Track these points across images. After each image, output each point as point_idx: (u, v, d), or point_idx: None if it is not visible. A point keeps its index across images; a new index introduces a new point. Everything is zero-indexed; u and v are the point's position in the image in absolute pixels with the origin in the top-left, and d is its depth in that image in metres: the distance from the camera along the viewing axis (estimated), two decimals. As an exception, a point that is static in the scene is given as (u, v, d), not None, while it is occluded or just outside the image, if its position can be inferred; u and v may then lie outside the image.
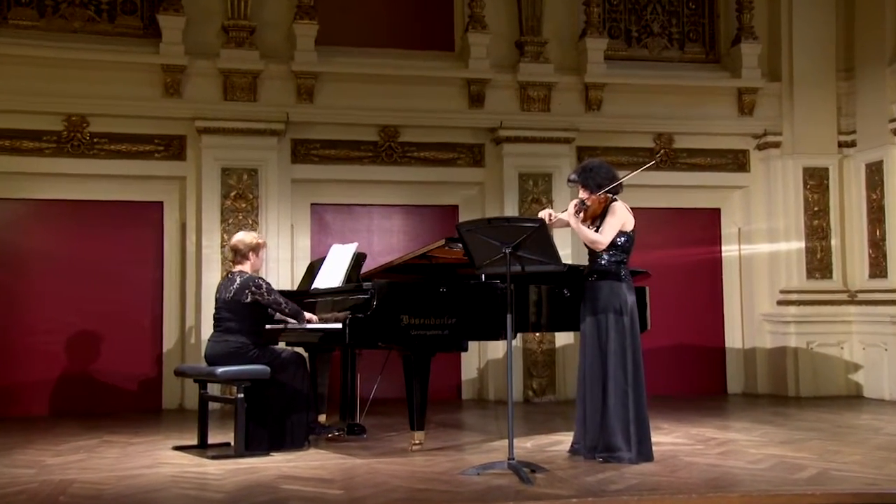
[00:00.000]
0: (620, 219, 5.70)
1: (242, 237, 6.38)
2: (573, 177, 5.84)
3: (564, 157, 9.69)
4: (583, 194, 5.73)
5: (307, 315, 6.35)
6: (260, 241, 6.40)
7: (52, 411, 8.65)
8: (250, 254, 6.32)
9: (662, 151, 10.07)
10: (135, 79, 8.95)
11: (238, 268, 6.33)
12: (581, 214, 5.59)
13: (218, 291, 6.33)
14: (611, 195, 5.74)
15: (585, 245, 5.85)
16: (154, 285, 9.13)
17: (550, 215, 5.70)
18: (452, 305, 6.06)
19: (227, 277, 6.33)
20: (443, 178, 9.70)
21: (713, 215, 10.38)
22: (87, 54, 8.81)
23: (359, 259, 6.71)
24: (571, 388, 9.03)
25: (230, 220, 8.93)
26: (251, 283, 6.14)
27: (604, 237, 5.63)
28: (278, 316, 6.43)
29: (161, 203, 9.19)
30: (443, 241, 6.21)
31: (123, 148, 9.00)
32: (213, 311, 6.38)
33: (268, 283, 6.21)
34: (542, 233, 5.27)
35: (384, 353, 6.71)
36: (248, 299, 6.12)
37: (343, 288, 6.44)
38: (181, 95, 9.04)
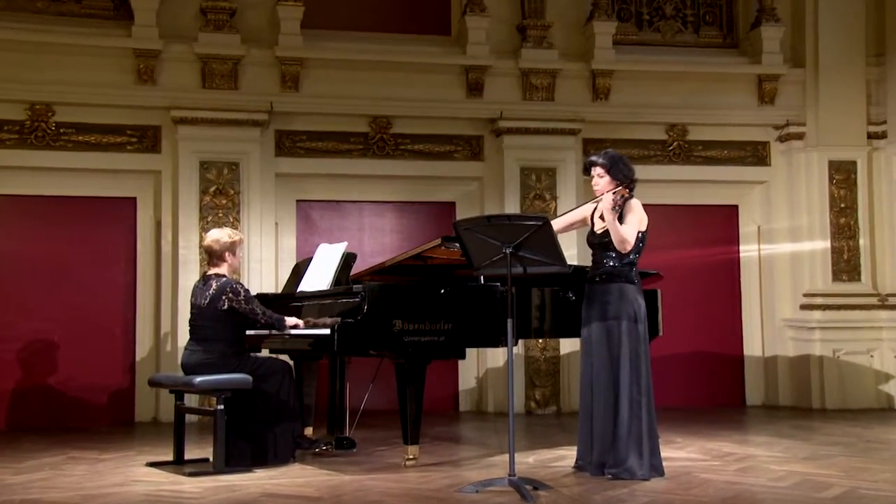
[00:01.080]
0: (640, 216, 5.74)
1: (217, 236, 6.32)
2: (598, 159, 5.79)
3: (569, 150, 9.72)
4: (601, 182, 5.74)
5: (291, 320, 6.35)
6: (236, 238, 6.35)
7: (11, 425, 8.63)
8: (226, 254, 6.28)
9: (675, 144, 10.11)
10: (104, 64, 8.96)
11: (214, 270, 6.29)
12: (617, 210, 5.62)
13: (193, 296, 6.31)
14: (629, 191, 5.77)
15: (590, 244, 5.87)
16: (126, 288, 9.14)
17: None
18: (449, 310, 6.09)
19: (203, 281, 6.29)
20: (438, 173, 9.73)
21: (730, 213, 10.41)
22: (52, 37, 8.80)
23: (348, 260, 6.73)
24: (577, 399, 9.03)
25: (209, 218, 8.94)
26: (228, 289, 6.11)
27: (631, 236, 5.66)
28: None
29: (134, 199, 9.21)
30: (439, 241, 6.23)
31: (92, 139, 9.01)
32: (189, 316, 6.39)
33: (246, 290, 6.18)
34: (545, 232, 5.29)
35: (375, 362, 6.73)
36: (225, 306, 6.11)
37: (331, 291, 6.46)
38: (155, 82, 9.05)
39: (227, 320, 6.14)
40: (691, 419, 8.65)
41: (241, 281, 6.49)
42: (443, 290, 6.10)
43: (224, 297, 6.09)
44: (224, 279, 6.19)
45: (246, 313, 6.14)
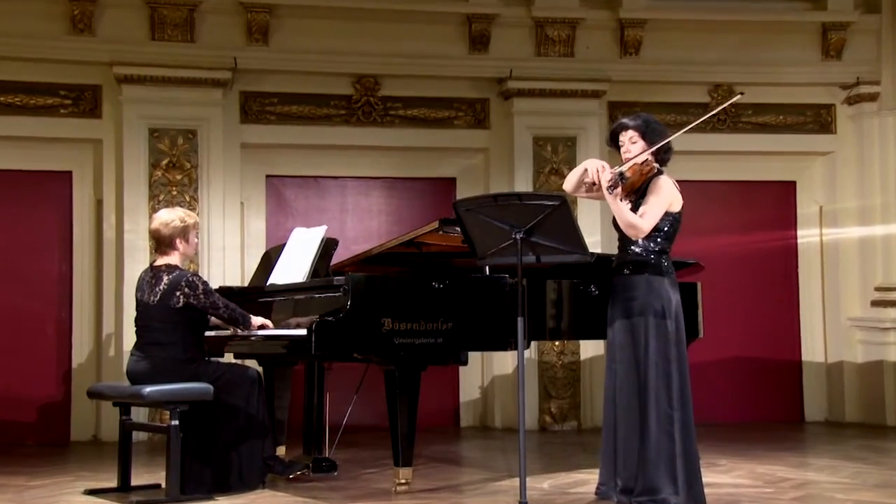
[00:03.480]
0: (666, 198, 5.68)
1: (164, 218, 6.30)
2: (630, 122, 5.78)
3: (592, 116, 9.78)
4: (635, 150, 5.70)
5: (257, 319, 6.36)
6: (189, 220, 6.36)
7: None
8: (178, 240, 6.28)
9: (721, 107, 10.13)
10: (31, 10, 8.99)
11: (163, 259, 6.28)
12: (617, 190, 5.57)
13: (139, 291, 6.31)
14: (656, 165, 5.77)
15: (616, 226, 5.88)
16: (60, 281, 9.21)
17: (602, 169, 5.57)
18: (448, 306, 6.14)
19: (151, 274, 6.30)
20: (435, 143, 9.80)
21: (787, 190, 10.48)
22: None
23: (328, 247, 6.78)
24: (600, 412, 9.11)
25: (160, 197, 9.00)
26: (183, 284, 6.11)
27: (646, 221, 5.60)
28: (214, 321, 6.44)
29: (69, 174, 9.28)
30: (436, 224, 6.30)
31: (18, 101, 9.07)
32: (134, 315, 6.41)
33: (205, 282, 6.20)
34: (564, 213, 5.33)
35: (360, 368, 6.80)
36: (180, 303, 6.11)
37: (308, 284, 6.52)
38: (94, 32, 9.10)
39: (181, 320, 6.15)
40: (739, 437, 8.74)
41: (198, 272, 6.51)
42: (437, 284, 6.14)
43: (178, 293, 6.11)
44: (178, 272, 6.19)
45: (205, 308, 6.17)
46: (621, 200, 5.64)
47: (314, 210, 9.64)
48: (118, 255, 9.04)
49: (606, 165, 5.60)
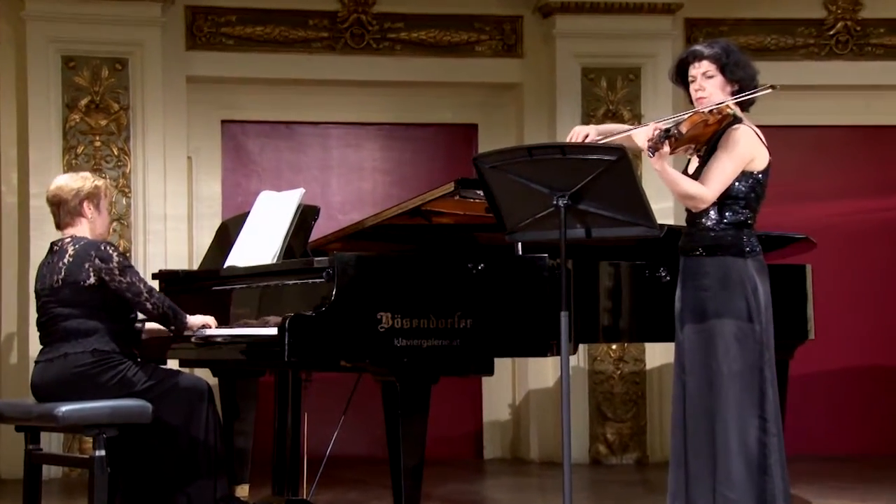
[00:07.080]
0: (742, 153, 5.62)
1: (66, 181, 6.35)
2: (705, 50, 5.72)
3: (663, 39, 9.77)
4: (710, 86, 5.68)
5: (197, 318, 6.40)
6: (98, 182, 6.38)
7: None
8: (85, 206, 6.27)
9: (840, 26, 10.11)
10: None
11: (69, 231, 6.34)
12: (664, 148, 5.42)
13: (38, 281, 6.32)
14: (733, 110, 5.66)
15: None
16: (-58, 263, 9.30)
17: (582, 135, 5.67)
18: (468, 297, 6.16)
19: (52, 252, 6.30)
20: (450, 77, 9.85)
21: (928, 139, 10.51)
22: None
23: (307, 217, 6.81)
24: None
25: (79, 149, 9.04)
26: (93, 253, 6.09)
27: (709, 188, 5.56)
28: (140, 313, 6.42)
29: (-46, 118, 9.35)
30: (451, 187, 6.34)
31: None
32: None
33: (122, 255, 6.17)
34: (623, 170, 5.33)
35: (350, 380, 6.86)
36: (92, 278, 6.10)
37: (279, 266, 6.57)
38: (-13, -72, 9.16)
39: (97, 304, 6.08)
40: (855, 475, 8.78)
41: (115, 245, 6.48)
42: (453, 268, 6.18)
43: (88, 265, 6.07)
44: (85, 241, 6.19)
45: (120, 290, 6.12)
46: (689, 160, 5.67)
47: (286, 167, 9.69)
48: (21, 228, 9.11)
49: (591, 130, 5.66)
